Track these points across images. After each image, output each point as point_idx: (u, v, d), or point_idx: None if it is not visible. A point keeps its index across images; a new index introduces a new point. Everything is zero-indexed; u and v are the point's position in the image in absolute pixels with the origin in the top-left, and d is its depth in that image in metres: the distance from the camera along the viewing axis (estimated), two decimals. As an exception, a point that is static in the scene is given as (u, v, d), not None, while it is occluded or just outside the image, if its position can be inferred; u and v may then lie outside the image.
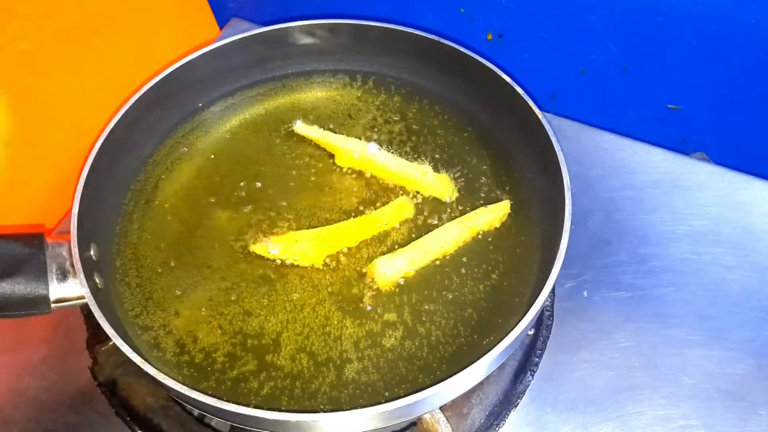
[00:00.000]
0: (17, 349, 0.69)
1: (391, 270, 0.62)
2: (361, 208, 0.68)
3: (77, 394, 0.65)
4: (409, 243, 0.65)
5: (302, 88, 0.79)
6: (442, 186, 0.69)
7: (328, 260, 0.64)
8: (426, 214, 0.67)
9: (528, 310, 0.53)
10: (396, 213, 0.67)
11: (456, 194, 0.69)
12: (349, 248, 0.65)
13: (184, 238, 0.66)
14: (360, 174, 0.71)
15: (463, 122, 0.75)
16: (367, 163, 0.71)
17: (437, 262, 0.64)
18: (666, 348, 0.67)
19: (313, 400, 0.56)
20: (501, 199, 0.68)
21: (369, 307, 0.61)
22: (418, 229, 0.66)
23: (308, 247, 0.64)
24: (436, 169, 0.71)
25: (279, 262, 0.64)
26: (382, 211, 0.67)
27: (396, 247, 0.65)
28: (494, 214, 0.67)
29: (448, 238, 0.65)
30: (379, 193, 0.69)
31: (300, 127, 0.75)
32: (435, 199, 0.69)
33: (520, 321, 0.52)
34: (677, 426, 0.63)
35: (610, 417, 0.63)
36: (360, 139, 0.73)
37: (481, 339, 0.59)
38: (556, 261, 0.55)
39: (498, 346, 0.50)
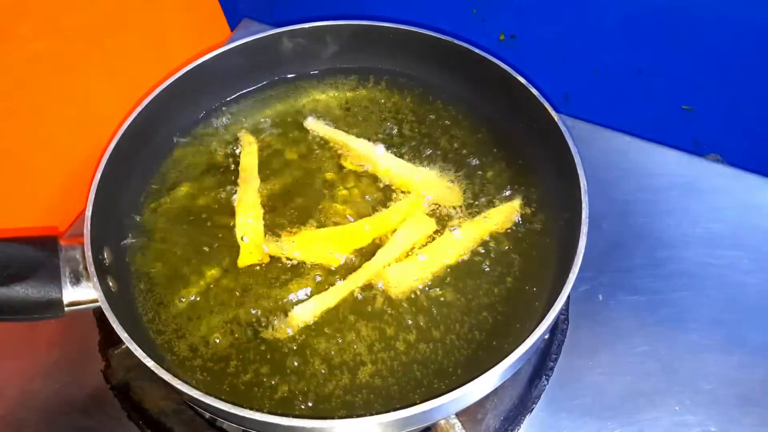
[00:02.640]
0: (29, 352, 0.69)
1: (403, 278, 0.62)
2: (374, 207, 0.67)
3: (89, 398, 0.65)
4: (422, 246, 0.64)
5: (315, 88, 0.79)
6: (448, 193, 0.68)
7: (342, 260, 0.64)
8: (439, 217, 0.67)
9: (544, 314, 0.52)
10: (408, 210, 0.67)
11: (461, 202, 0.68)
12: (363, 247, 0.65)
13: (197, 241, 0.66)
14: (371, 175, 0.71)
15: (477, 123, 0.75)
16: (374, 165, 0.71)
17: (452, 265, 0.64)
18: (683, 352, 0.67)
19: (327, 404, 0.56)
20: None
21: (383, 310, 0.61)
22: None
23: (322, 247, 0.64)
24: (448, 172, 0.70)
25: (292, 263, 0.64)
26: (395, 208, 0.67)
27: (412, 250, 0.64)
28: (504, 215, 0.66)
29: (460, 242, 0.64)
30: (390, 193, 0.69)
31: (311, 122, 0.75)
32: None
33: (537, 326, 0.51)
34: (694, 432, 0.62)
35: (626, 422, 0.63)
36: (371, 140, 0.73)
37: (497, 343, 0.59)
38: (573, 265, 0.54)
39: (515, 351, 0.50)
